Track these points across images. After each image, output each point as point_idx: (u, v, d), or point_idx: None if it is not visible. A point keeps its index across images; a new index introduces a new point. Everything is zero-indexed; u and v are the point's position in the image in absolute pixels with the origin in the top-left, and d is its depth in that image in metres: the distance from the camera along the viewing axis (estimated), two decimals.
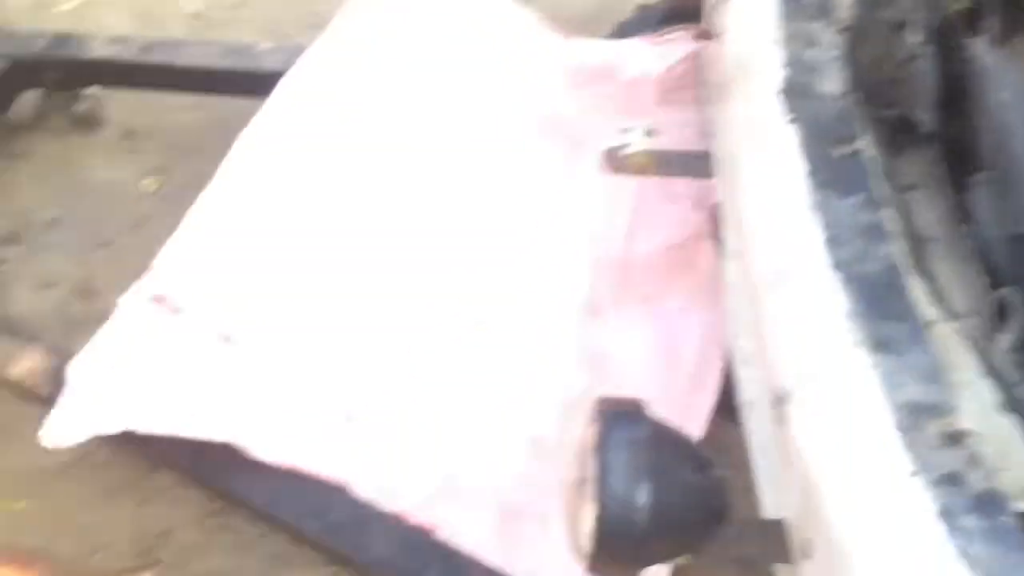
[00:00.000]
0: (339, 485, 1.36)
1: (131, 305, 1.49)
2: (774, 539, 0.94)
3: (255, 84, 1.74)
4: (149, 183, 1.89)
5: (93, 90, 1.93)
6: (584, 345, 1.54)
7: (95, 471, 1.55)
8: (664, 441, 0.89)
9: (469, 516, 1.38)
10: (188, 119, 1.95)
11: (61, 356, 1.47)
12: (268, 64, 1.81)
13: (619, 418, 0.87)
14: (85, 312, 1.70)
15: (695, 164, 1.32)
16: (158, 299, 1.51)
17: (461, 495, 1.42)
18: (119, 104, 1.96)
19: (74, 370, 1.42)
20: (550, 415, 1.49)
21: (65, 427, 1.36)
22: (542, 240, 1.64)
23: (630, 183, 1.63)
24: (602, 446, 0.85)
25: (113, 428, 1.36)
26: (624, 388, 1.53)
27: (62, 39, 1.88)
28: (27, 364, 1.49)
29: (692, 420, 1.43)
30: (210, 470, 1.38)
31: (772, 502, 0.99)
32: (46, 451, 1.48)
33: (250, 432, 1.37)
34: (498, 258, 1.63)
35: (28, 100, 1.94)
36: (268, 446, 1.36)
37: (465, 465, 1.44)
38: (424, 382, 1.52)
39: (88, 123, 1.95)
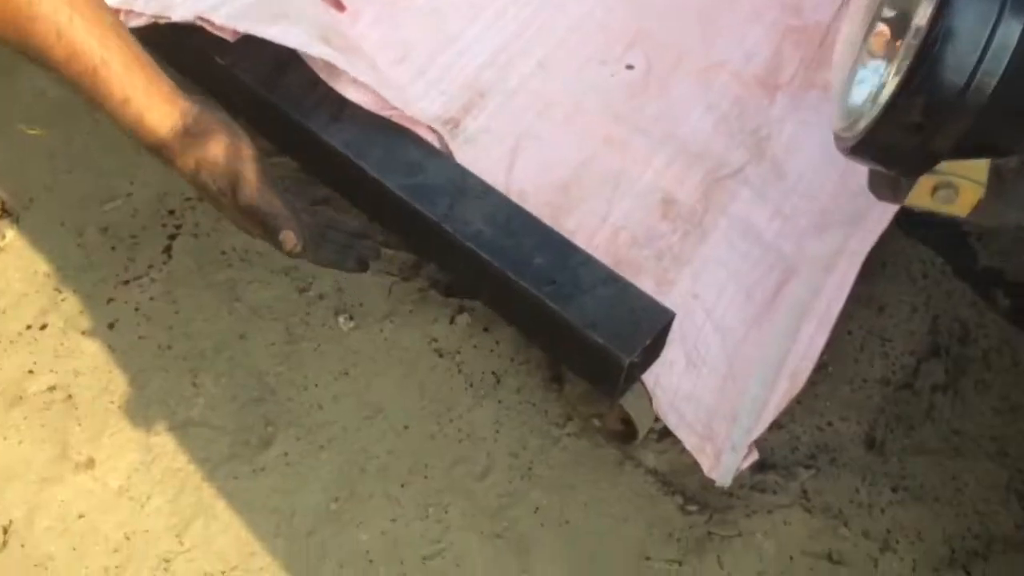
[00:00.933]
0: (440, 150, 1.09)
1: None
2: None
3: None
4: None
5: None
6: (750, 124, 1.27)
7: None
8: None
9: None
10: None
11: None
12: None
13: None
14: None
15: None
16: None
17: (575, 235, 1.15)
18: None
19: None
20: (692, 182, 1.22)
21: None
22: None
23: None
24: None
25: (183, 15, 1.08)
26: (785, 183, 1.28)
27: None
28: None
29: (862, 235, 1.18)
30: (284, 102, 1.10)
31: None
32: None
33: (347, 61, 1.09)
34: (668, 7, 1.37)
35: None
36: (368, 80, 1.08)
37: (583, 203, 1.18)
38: (553, 106, 1.26)
39: None
